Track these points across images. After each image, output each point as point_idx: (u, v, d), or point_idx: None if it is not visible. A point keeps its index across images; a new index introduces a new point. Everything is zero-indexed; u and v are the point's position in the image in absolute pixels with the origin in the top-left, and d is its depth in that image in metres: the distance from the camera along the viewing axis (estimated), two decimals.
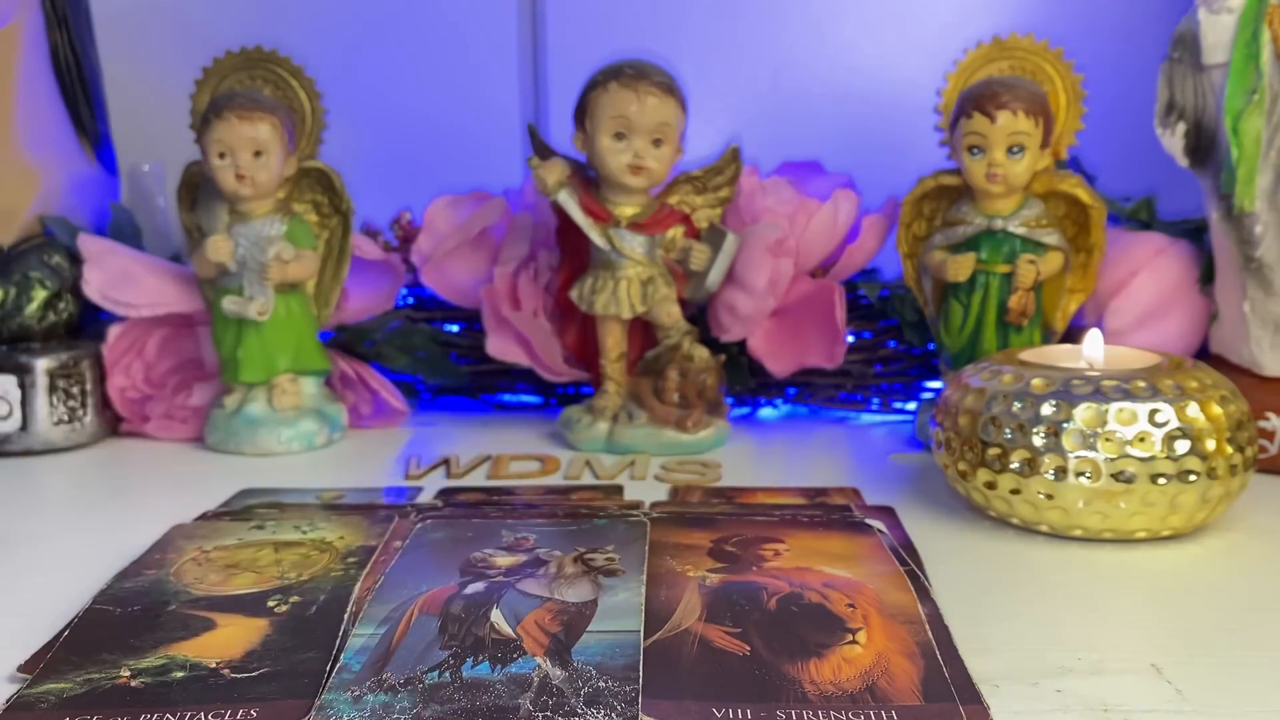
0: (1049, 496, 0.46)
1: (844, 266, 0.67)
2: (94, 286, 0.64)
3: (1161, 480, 0.45)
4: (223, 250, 0.61)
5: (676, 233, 0.63)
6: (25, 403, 0.63)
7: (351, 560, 0.42)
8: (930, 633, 0.36)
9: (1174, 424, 0.45)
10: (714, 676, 0.33)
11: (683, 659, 0.34)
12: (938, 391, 0.68)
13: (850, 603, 0.38)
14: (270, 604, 0.39)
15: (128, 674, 0.34)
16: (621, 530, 0.45)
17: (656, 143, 0.60)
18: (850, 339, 0.69)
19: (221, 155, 0.60)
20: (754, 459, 0.62)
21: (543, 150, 0.64)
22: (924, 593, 0.39)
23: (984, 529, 0.49)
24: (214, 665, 0.34)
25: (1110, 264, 0.62)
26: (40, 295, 0.65)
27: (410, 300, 0.74)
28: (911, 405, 0.71)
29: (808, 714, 0.31)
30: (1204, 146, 0.58)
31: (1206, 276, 0.62)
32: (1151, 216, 0.66)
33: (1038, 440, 0.46)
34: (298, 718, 0.31)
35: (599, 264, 0.63)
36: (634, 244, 0.62)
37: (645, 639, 0.35)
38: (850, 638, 0.35)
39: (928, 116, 0.64)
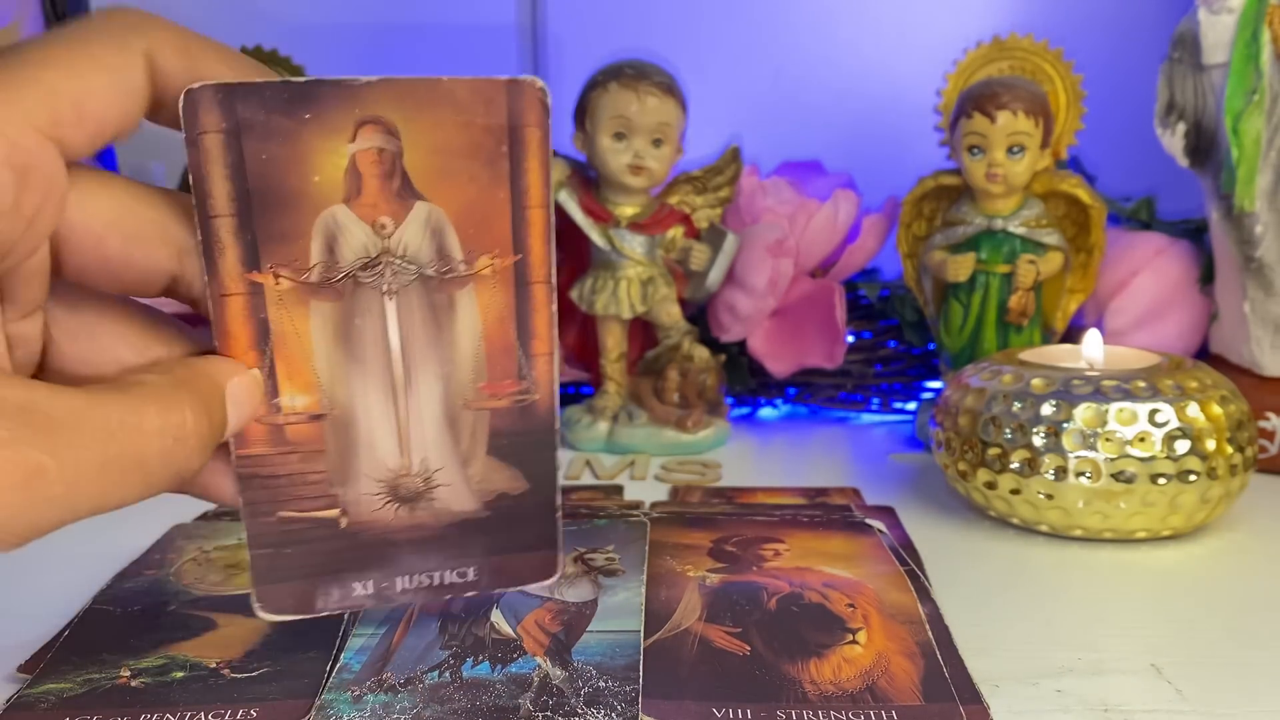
0: (1049, 496, 0.46)
1: (844, 266, 0.67)
2: None
3: (1161, 480, 0.45)
4: None
5: (676, 233, 0.63)
6: None
7: None
8: (930, 633, 0.36)
9: (1174, 424, 0.45)
10: (714, 676, 0.33)
11: (683, 659, 0.34)
12: (938, 391, 0.68)
13: (850, 603, 0.38)
14: None
15: (128, 674, 0.34)
16: (621, 530, 0.45)
17: (656, 143, 0.60)
18: (850, 339, 0.69)
19: None
20: (754, 459, 0.62)
21: None
22: (924, 593, 0.39)
23: (984, 529, 0.49)
24: (214, 665, 0.34)
25: (1110, 264, 0.62)
26: None
27: None
28: (911, 405, 0.71)
29: (808, 714, 0.31)
30: (1204, 146, 0.58)
31: (1206, 276, 0.62)
32: (1151, 216, 0.66)
33: (1038, 440, 0.46)
34: (298, 718, 0.31)
35: (599, 264, 0.63)
36: (634, 244, 0.62)
37: (645, 639, 0.35)
38: (850, 638, 0.35)
39: (928, 116, 0.64)
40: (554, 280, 0.31)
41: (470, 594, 0.33)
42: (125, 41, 0.26)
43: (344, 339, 0.30)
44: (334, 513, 0.31)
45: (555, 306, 0.31)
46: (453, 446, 0.31)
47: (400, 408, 0.31)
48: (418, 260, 0.30)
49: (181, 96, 0.27)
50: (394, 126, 0.28)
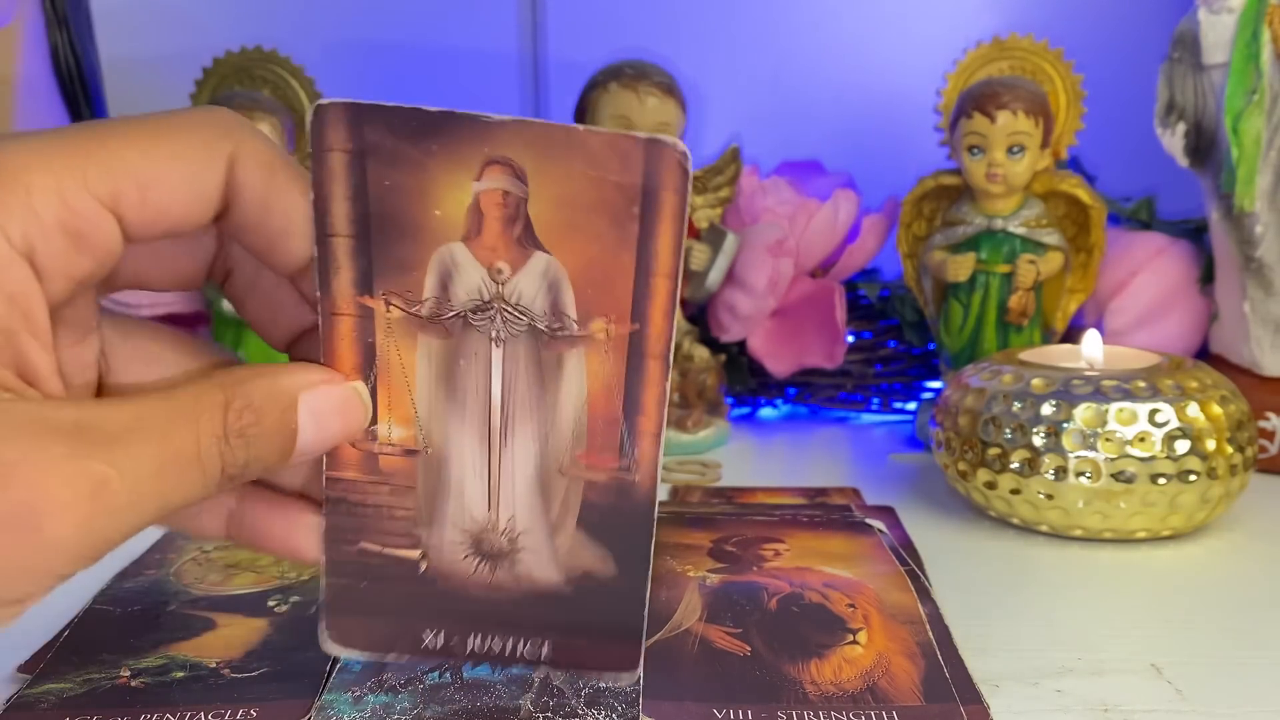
0: (1049, 496, 0.46)
1: (844, 266, 0.67)
2: None
3: (1161, 480, 0.45)
4: None
5: None
6: None
7: None
8: (930, 633, 0.36)
9: (1174, 424, 0.45)
10: (715, 677, 0.33)
11: (683, 659, 0.34)
12: (938, 391, 0.68)
13: (851, 603, 0.38)
14: (270, 604, 0.39)
15: (128, 674, 0.34)
16: None
17: None
18: (850, 339, 0.69)
19: None
20: (754, 459, 0.62)
21: None
22: (924, 593, 0.39)
23: (984, 529, 0.49)
24: (214, 665, 0.34)
25: (1110, 264, 0.62)
26: None
27: None
28: (911, 405, 0.71)
29: (809, 714, 0.31)
30: (1204, 146, 0.58)
31: (1206, 276, 0.62)
32: (1151, 216, 0.66)
33: (1038, 440, 0.46)
34: (298, 718, 0.31)
35: None
36: None
37: (646, 639, 0.35)
38: (851, 638, 0.35)
39: (928, 116, 0.64)
40: (670, 357, 0.29)
41: (539, 670, 0.32)
42: (211, 142, 0.26)
43: (446, 378, 0.29)
44: (415, 554, 0.30)
45: (669, 383, 0.30)
46: (543, 511, 0.30)
47: (494, 459, 0.30)
48: (530, 312, 0.29)
49: (310, 109, 0.27)
50: (522, 170, 0.27)
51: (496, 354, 0.29)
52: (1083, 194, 0.60)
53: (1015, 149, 0.57)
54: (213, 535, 0.30)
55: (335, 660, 0.34)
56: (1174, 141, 0.59)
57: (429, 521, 0.30)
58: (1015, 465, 0.46)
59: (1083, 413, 0.45)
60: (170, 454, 0.24)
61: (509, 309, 0.29)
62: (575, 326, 0.29)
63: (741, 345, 0.68)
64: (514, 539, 0.30)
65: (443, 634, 0.31)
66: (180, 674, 0.34)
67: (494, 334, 0.29)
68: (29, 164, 0.23)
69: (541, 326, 0.29)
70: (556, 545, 0.30)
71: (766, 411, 0.73)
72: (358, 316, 0.28)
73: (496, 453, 0.30)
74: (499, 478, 0.30)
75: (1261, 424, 0.57)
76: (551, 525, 0.30)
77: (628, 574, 0.30)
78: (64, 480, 0.22)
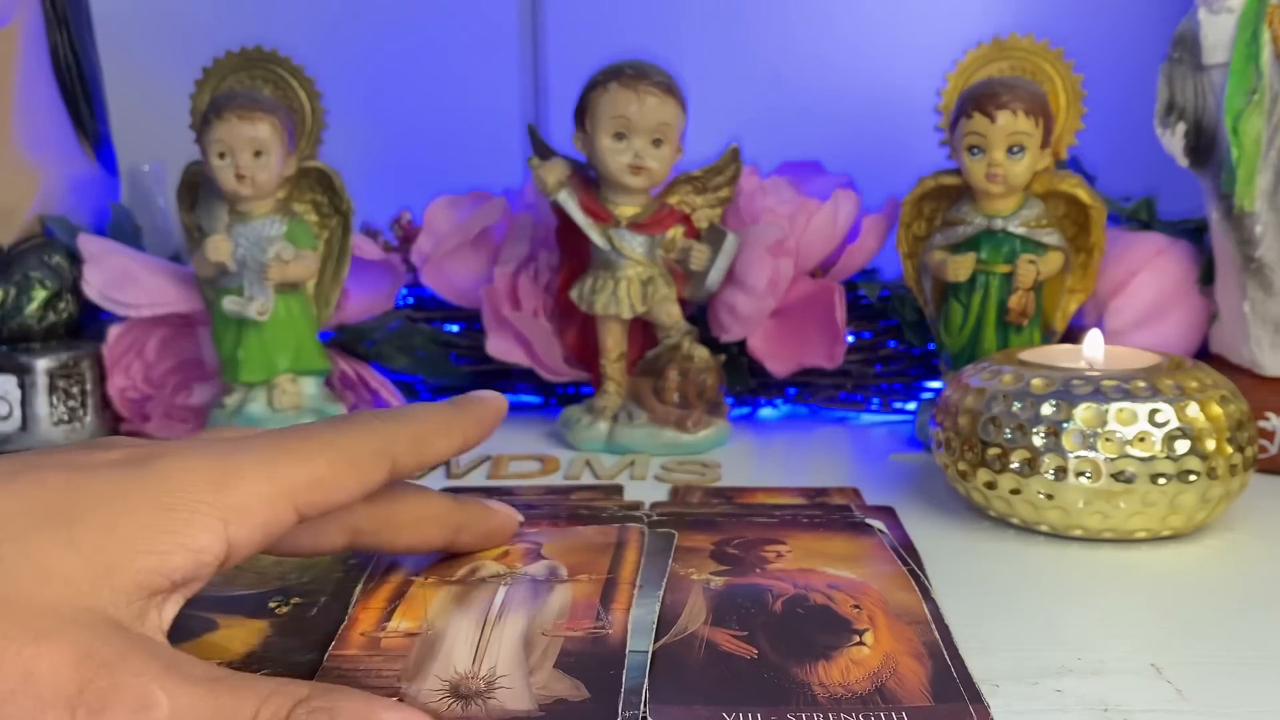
0: (1049, 496, 0.46)
1: (844, 266, 0.67)
2: (94, 286, 0.64)
3: (1161, 480, 0.45)
4: (222, 250, 0.61)
5: (676, 233, 0.63)
6: (25, 403, 0.63)
7: (353, 561, 0.42)
8: (936, 633, 0.36)
9: (1174, 424, 0.45)
10: (722, 680, 0.33)
11: (690, 663, 0.34)
12: (938, 391, 0.68)
13: (855, 604, 0.38)
14: (271, 605, 0.39)
15: None
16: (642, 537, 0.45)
17: (656, 143, 0.60)
18: (850, 339, 0.69)
19: (221, 155, 0.60)
20: (754, 459, 0.62)
21: (543, 150, 0.64)
22: (925, 593, 0.39)
23: (984, 529, 0.49)
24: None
25: (1110, 264, 0.62)
26: (40, 295, 0.64)
27: (410, 300, 0.74)
28: (911, 405, 0.71)
29: (818, 717, 0.31)
30: (1204, 146, 0.58)
31: (1206, 276, 0.62)
32: (1151, 216, 0.67)
33: (1038, 440, 0.46)
34: None
35: (599, 264, 0.63)
36: (634, 244, 0.62)
37: (652, 643, 0.35)
38: (857, 639, 0.35)
39: (928, 116, 0.64)
40: (638, 580, 0.39)
41: None
42: (376, 448, 0.33)
43: (459, 598, 0.37)
44: (391, 701, 0.32)
45: (635, 592, 0.38)
46: (523, 660, 0.33)
47: (485, 634, 0.34)
48: (533, 575, 0.39)
49: None
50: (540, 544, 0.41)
51: (502, 588, 0.38)
52: (1083, 194, 0.60)
53: (1015, 149, 0.57)
54: (332, 548, 0.38)
55: None
56: (1174, 141, 0.59)
57: (412, 678, 0.32)
58: (1015, 465, 0.46)
59: (1083, 413, 0.45)
60: (223, 713, 0.27)
61: (517, 577, 0.39)
62: (565, 578, 0.39)
63: (741, 345, 0.68)
64: (491, 682, 0.32)
65: None
66: None
67: (503, 583, 0.38)
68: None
69: (540, 578, 0.39)
70: (532, 682, 0.32)
71: (766, 411, 0.73)
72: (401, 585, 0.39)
73: (490, 629, 0.35)
74: (487, 644, 0.34)
75: (1261, 424, 0.57)
76: (530, 669, 0.33)
77: (600, 698, 0.32)
78: (128, 693, 0.26)
